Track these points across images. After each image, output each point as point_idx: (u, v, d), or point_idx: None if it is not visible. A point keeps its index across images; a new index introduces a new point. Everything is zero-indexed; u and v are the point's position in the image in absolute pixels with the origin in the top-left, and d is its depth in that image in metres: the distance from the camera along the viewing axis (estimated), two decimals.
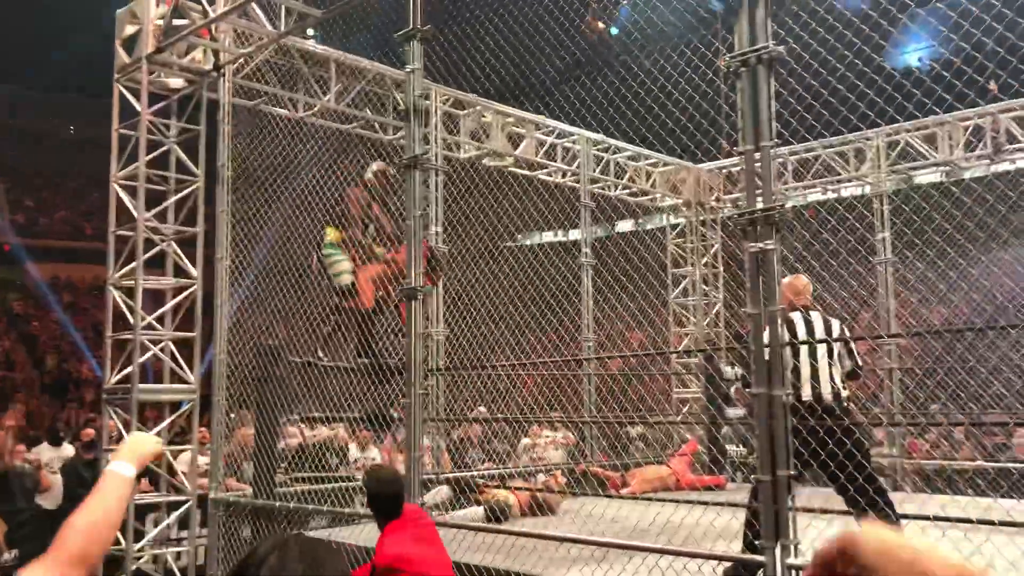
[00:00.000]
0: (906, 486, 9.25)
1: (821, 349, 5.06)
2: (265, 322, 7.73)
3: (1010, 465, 9.10)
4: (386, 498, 4.18)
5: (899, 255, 9.52)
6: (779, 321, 4.95)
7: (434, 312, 8.01)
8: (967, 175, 9.96)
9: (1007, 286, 10.15)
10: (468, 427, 9.65)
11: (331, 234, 6.92)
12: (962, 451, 10.23)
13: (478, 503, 6.94)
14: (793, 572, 3.63)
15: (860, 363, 5.41)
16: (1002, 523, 4.05)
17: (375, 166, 7.04)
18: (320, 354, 6.95)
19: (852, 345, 5.34)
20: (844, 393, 5.07)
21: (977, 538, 4.04)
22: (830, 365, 5.05)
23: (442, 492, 7.29)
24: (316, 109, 7.83)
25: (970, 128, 9.27)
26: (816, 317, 5.25)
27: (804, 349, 5.04)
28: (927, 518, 4.87)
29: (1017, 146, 9.06)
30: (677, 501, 5.88)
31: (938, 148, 9.50)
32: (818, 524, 5.02)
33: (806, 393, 4.96)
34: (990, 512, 4.44)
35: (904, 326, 9.70)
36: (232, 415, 7.58)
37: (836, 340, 5.20)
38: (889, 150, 9.81)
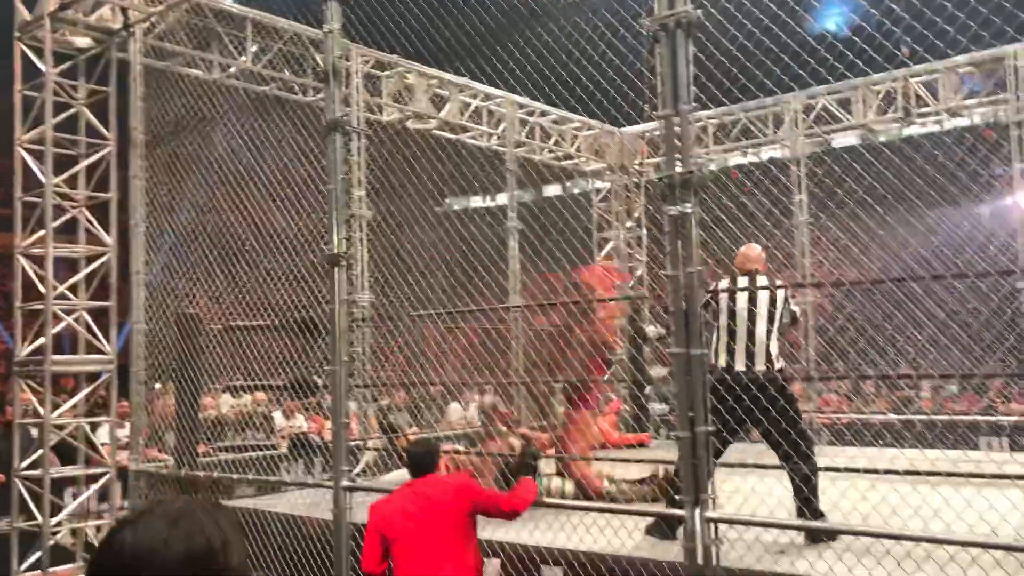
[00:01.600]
0: (819, 439, 9.62)
1: (762, 316, 5.07)
2: (186, 289, 7.55)
3: (914, 417, 9.52)
4: (408, 461, 4.36)
5: (815, 217, 9.79)
6: (717, 285, 5.06)
7: (359, 278, 7.93)
8: (881, 139, 10.26)
9: (921, 246, 10.56)
10: (396, 393, 9.63)
11: None
12: (877, 404, 10.66)
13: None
14: (712, 525, 3.74)
15: (798, 312, 5.48)
16: (906, 472, 4.25)
17: None
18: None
19: (788, 298, 5.31)
20: (778, 364, 5.07)
21: (883, 487, 4.24)
22: (768, 332, 5.06)
23: (367, 457, 7.29)
24: (232, 71, 7.62)
25: (882, 93, 9.53)
26: (762, 282, 5.24)
27: (743, 314, 5.05)
28: (838, 470, 5.09)
29: (926, 110, 9.35)
30: (603, 459, 6.03)
31: (853, 112, 9.75)
32: (734, 479, 5.21)
33: (739, 363, 4.99)
34: (896, 462, 4.65)
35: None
36: (154, 385, 7.41)
37: (778, 289, 5.22)
38: (806, 114, 10.03)
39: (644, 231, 11.67)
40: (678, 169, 3.92)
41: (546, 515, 4.74)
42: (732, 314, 5.07)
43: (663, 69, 3.97)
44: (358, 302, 7.55)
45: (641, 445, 9.12)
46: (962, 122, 9.65)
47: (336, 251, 5.20)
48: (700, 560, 3.72)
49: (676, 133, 3.98)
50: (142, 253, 7.13)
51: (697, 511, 3.74)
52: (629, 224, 11.67)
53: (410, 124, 9.00)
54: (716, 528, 3.75)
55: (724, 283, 5.32)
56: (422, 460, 4.26)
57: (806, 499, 4.55)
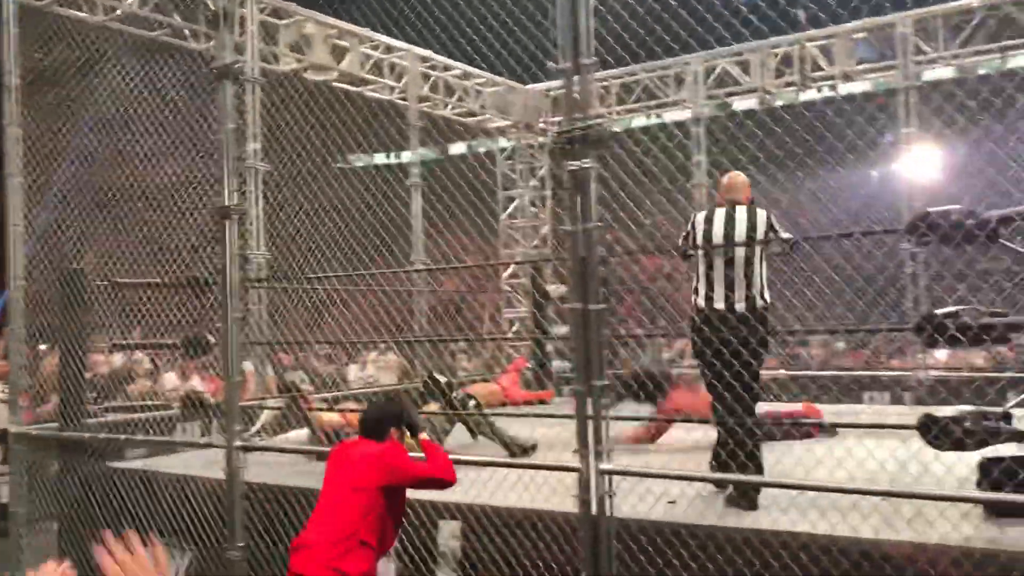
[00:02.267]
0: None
1: (739, 253, 4.66)
2: (70, 244, 7.18)
3: (801, 374, 9.91)
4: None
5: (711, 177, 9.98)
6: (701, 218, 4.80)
7: (255, 234, 7.69)
8: (778, 102, 10.51)
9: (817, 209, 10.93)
10: (293, 352, 9.44)
11: None
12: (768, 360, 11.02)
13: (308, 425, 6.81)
14: (606, 478, 3.79)
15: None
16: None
17: None
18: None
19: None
20: (760, 302, 4.65)
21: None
22: (747, 267, 4.66)
23: (266, 416, 7.13)
24: (118, 13, 7.22)
25: (780, 56, 9.73)
26: (741, 213, 4.78)
27: (701, 253, 4.70)
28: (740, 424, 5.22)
29: (821, 74, 9.60)
30: (506, 415, 6.06)
31: (751, 75, 9.93)
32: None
33: (718, 301, 4.63)
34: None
35: None
36: (37, 345, 7.06)
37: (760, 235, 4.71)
38: (707, 76, 10.17)
39: (548, 190, 11.70)
40: (578, 124, 3.90)
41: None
42: (709, 248, 4.67)
43: (563, 20, 3.92)
44: (253, 259, 7.34)
45: (542, 402, 9.21)
46: (856, 87, 9.96)
47: (227, 203, 5.02)
48: (594, 511, 3.78)
49: (575, 87, 3.95)
50: (21, 207, 6.74)
51: (592, 462, 3.79)
52: (533, 183, 11.67)
53: (308, 75, 8.73)
54: (611, 480, 3.81)
55: (702, 216, 4.88)
56: (366, 424, 4.10)
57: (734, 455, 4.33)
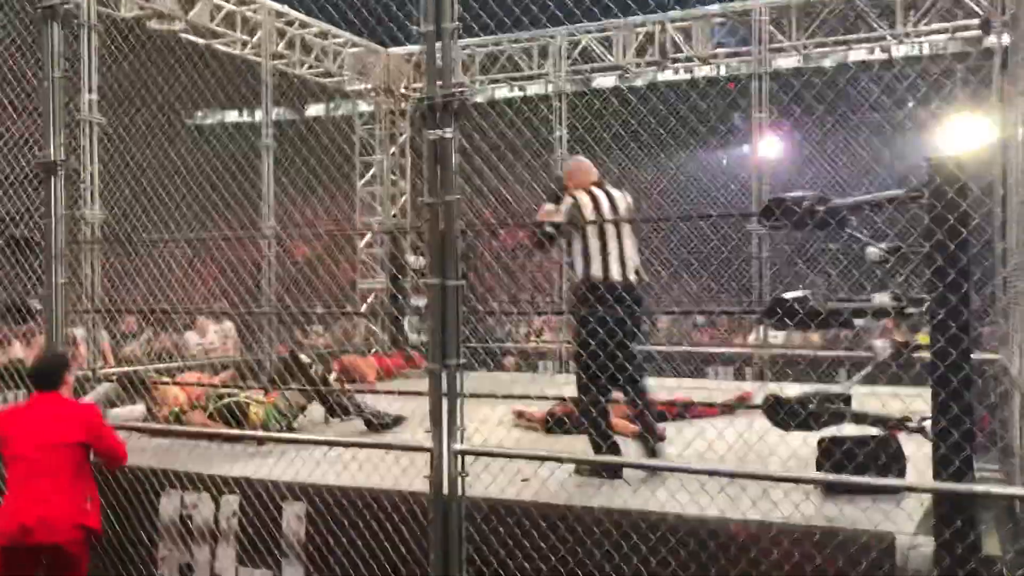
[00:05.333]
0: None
1: (624, 225, 4.81)
2: None
3: (653, 348, 10.17)
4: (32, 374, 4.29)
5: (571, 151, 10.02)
6: (569, 203, 4.76)
7: (88, 192, 7.10)
8: (639, 81, 10.65)
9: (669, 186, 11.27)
10: (129, 319, 8.87)
11: None
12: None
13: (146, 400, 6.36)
14: (459, 457, 3.70)
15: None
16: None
17: None
18: None
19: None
20: (633, 277, 4.79)
21: None
22: (619, 239, 4.77)
23: (104, 388, 6.64)
24: None
25: (642, 35, 9.81)
26: (601, 195, 4.86)
27: (592, 229, 4.74)
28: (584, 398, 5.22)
29: (680, 55, 9.76)
30: (373, 391, 5.86)
31: (614, 53, 9.99)
32: (483, 409, 5.24)
33: (595, 272, 4.69)
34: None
35: None
36: None
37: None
38: (571, 51, 10.16)
39: (408, 158, 11.43)
40: (440, 92, 3.75)
41: (287, 450, 4.52)
42: (599, 227, 4.72)
43: None
44: (86, 219, 6.79)
45: (389, 372, 8.99)
46: (713, 71, 10.20)
47: (52, 158, 4.58)
48: (446, 491, 3.68)
49: (438, 53, 3.79)
50: None
51: (445, 442, 3.69)
52: (393, 150, 11.37)
53: (152, 24, 8.11)
54: (463, 460, 3.72)
55: (570, 201, 4.83)
56: (47, 375, 4.16)
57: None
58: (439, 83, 3.76)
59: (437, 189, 3.77)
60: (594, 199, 4.80)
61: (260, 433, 5.10)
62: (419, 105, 3.82)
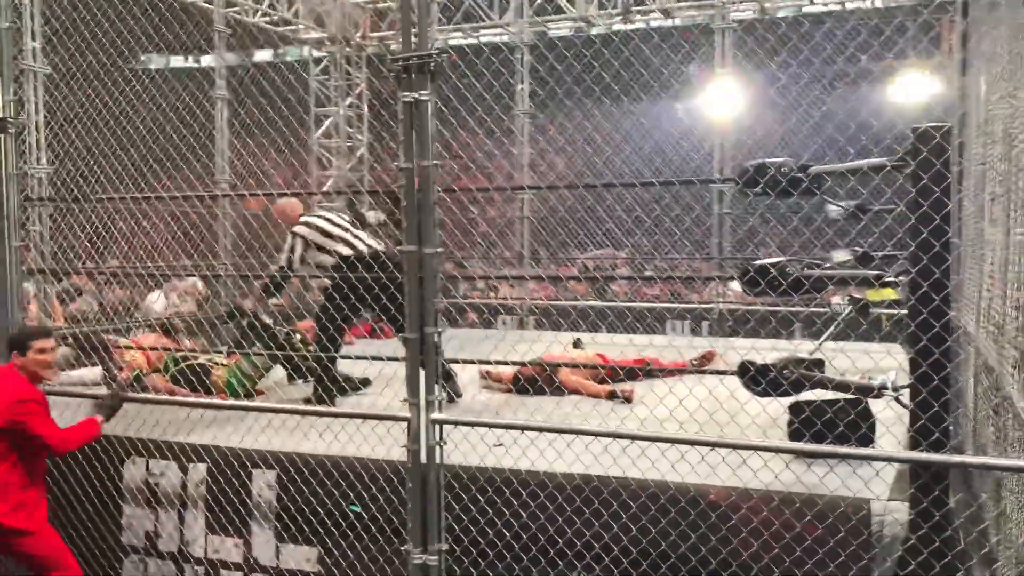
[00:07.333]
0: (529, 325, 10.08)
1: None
2: None
3: (609, 304, 10.22)
4: None
5: (539, 106, 9.90)
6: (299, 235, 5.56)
7: (32, 144, 6.80)
8: (594, 31, 10.52)
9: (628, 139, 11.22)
10: (80, 276, 8.58)
11: None
12: (576, 290, 11.29)
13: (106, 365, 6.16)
14: (436, 427, 3.66)
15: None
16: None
17: None
18: None
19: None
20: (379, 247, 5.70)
21: None
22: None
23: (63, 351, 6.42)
24: None
25: None
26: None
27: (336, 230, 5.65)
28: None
29: (643, 8, 9.64)
30: (345, 356, 5.75)
31: (575, 5, 9.82)
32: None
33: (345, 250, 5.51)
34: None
35: (539, 175, 10.27)
36: None
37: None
38: (532, 1, 9.97)
39: (366, 108, 11.17)
40: (415, 51, 3.61)
41: (259, 418, 4.43)
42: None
43: None
44: (33, 175, 6.52)
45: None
46: (673, 23, 10.13)
47: (2, 114, 4.35)
48: (423, 460, 3.65)
49: (413, 7, 3.64)
50: None
51: (422, 411, 3.65)
52: (350, 100, 11.09)
53: None
54: (441, 429, 3.68)
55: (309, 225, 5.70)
56: None
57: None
58: (415, 41, 3.63)
59: (412, 153, 3.66)
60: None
61: (242, 403, 4.95)
62: (393, 65, 3.68)
